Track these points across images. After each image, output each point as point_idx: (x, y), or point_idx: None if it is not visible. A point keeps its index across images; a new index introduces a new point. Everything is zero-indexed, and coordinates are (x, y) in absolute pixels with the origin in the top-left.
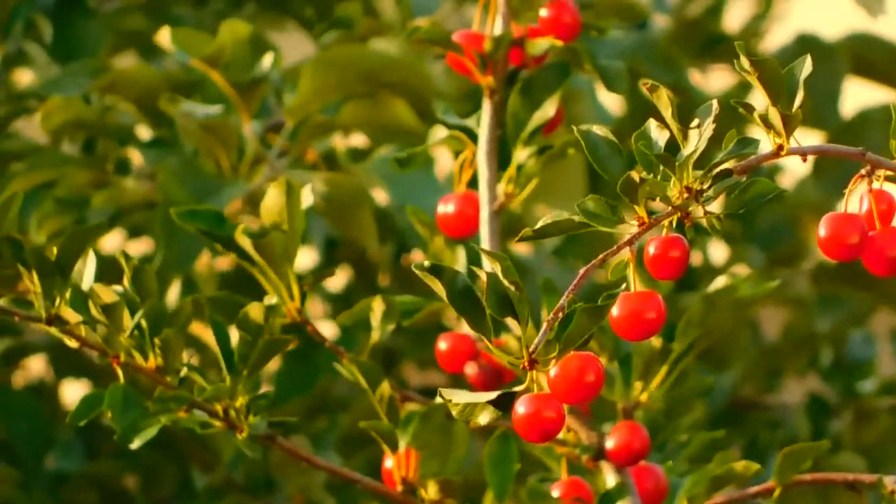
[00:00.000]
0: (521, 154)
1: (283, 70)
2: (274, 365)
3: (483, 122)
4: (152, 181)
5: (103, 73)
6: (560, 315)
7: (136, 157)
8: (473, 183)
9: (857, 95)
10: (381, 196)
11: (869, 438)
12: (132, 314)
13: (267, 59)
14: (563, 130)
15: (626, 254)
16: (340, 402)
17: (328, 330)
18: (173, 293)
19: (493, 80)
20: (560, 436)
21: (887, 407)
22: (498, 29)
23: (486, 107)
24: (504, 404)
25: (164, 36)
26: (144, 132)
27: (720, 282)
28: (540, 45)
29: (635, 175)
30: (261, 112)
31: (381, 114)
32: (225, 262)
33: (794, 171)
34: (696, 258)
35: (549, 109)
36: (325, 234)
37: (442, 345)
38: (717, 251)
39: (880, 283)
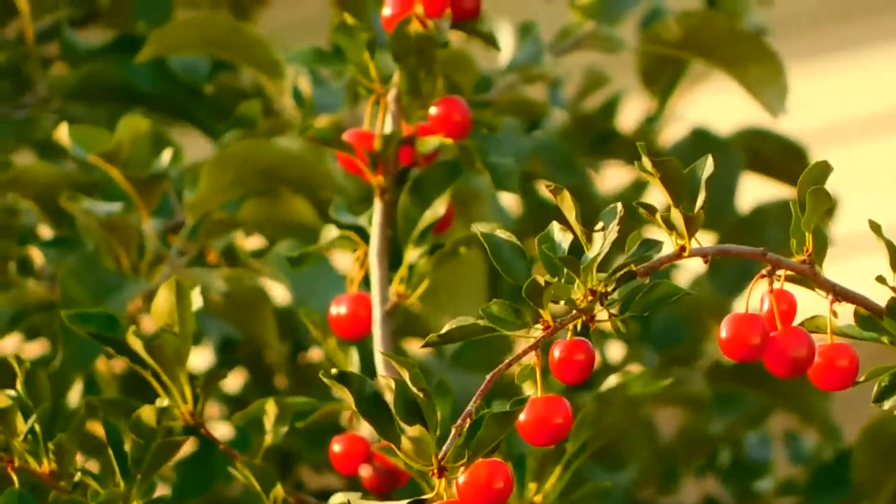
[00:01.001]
0: (413, 254)
1: (183, 167)
2: (170, 466)
3: (374, 222)
4: (53, 281)
5: (3, 170)
6: (468, 421)
7: (37, 256)
8: (367, 283)
9: (753, 191)
10: (280, 294)
11: None
12: (25, 418)
13: (166, 155)
14: (459, 229)
15: (531, 358)
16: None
17: (225, 431)
18: (74, 395)
19: (384, 178)
20: None
21: None
22: (388, 127)
23: (378, 206)
24: None
25: (62, 132)
26: (45, 231)
27: (612, 380)
28: (430, 143)
29: (540, 279)
30: (161, 210)
31: (281, 211)
32: (124, 364)
33: (692, 269)
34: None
35: (439, 208)
36: (221, 334)
37: (336, 447)
38: (614, 350)
39: (776, 383)
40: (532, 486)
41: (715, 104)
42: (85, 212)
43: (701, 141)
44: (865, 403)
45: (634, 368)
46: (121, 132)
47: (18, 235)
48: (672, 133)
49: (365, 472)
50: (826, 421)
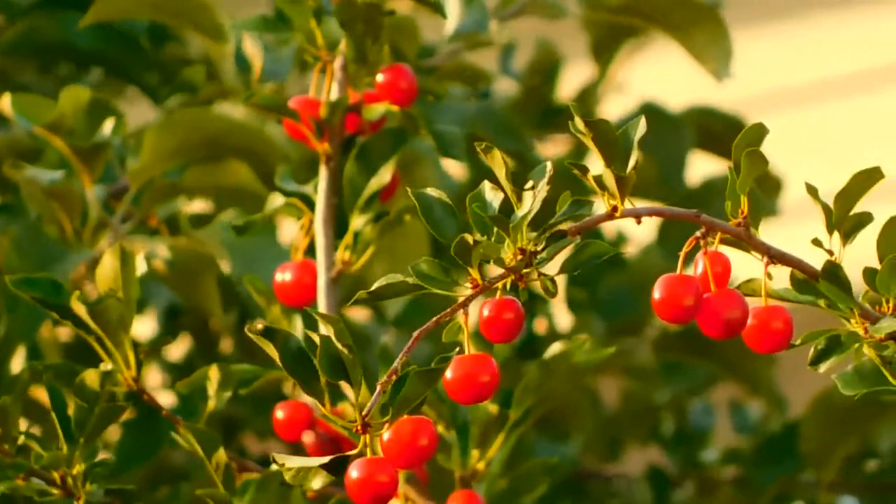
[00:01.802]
0: (358, 221)
1: (126, 135)
2: (115, 434)
3: (320, 189)
4: None
5: None
6: (393, 378)
7: None
8: (312, 250)
9: (701, 168)
10: (225, 263)
11: None
12: None
13: (108, 124)
14: (403, 195)
15: (460, 317)
16: (182, 472)
17: (169, 399)
18: (18, 362)
19: (329, 146)
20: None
21: (730, 478)
22: (334, 95)
23: (323, 173)
24: (337, 468)
25: (4, 102)
26: None
27: (556, 348)
28: (376, 110)
29: (469, 237)
30: (104, 178)
31: (224, 178)
32: (69, 331)
33: (640, 239)
34: (541, 326)
35: (385, 175)
36: (166, 302)
37: (279, 413)
38: (562, 318)
39: (723, 352)
40: (475, 453)
41: (661, 78)
42: (28, 180)
43: (650, 115)
44: (811, 374)
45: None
46: (63, 102)
47: None
48: (622, 108)
49: (308, 438)
50: (772, 391)
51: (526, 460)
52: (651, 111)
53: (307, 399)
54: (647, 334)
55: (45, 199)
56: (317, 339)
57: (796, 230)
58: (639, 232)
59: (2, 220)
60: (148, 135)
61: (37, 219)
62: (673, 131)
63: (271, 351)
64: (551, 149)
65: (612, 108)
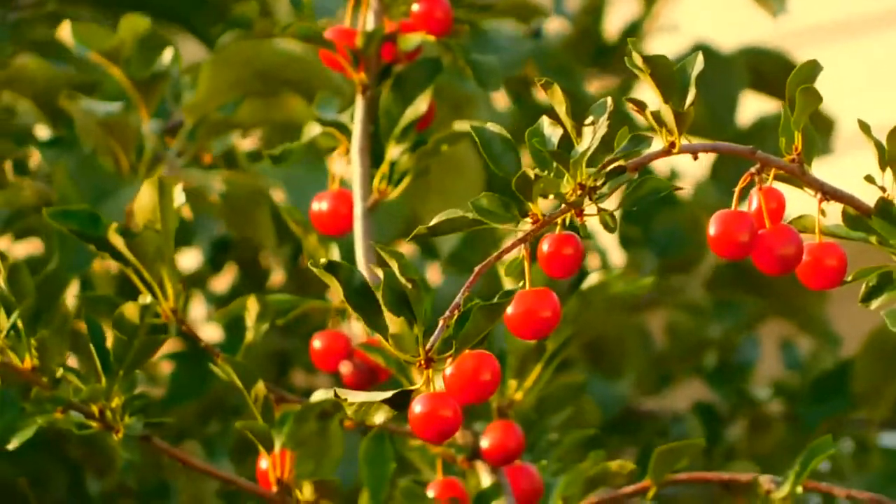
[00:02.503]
0: (394, 150)
1: (181, 70)
2: (167, 369)
3: (356, 119)
4: (49, 182)
5: (1, 68)
6: (456, 313)
7: (34, 156)
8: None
9: (753, 109)
10: (279, 196)
11: (763, 446)
12: (8, 314)
13: (167, 55)
14: (440, 126)
15: (520, 252)
16: (234, 409)
17: (217, 334)
18: (70, 296)
19: (366, 76)
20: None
21: (781, 414)
22: (370, 24)
23: (359, 103)
24: (400, 403)
25: (63, 31)
26: (43, 132)
27: (594, 279)
28: (412, 40)
29: (529, 172)
30: (160, 112)
31: (278, 112)
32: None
33: (693, 175)
34: (594, 263)
35: (421, 105)
36: (213, 236)
37: (317, 343)
38: (615, 256)
39: (775, 289)
40: (512, 383)
41: (713, 18)
42: (84, 111)
43: (703, 56)
44: (864, 312)
45: (619, 268)
46: (122, 31)
47: (15, 135)
48: (668, 48)
49: (345, 368)
50: (824, 328)
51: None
52: (702, 50)
53: (346, 330)
54: (698, 271)
55: (100, 131)
56: (380, 273)
57: (849, 167)
58: (691, 170)
59: (56, 152)
60: (204, 69)
61: (91, 152)
62: (724, 71)
63: (334, 285)
64: (597, 86)
65: (658, 48)
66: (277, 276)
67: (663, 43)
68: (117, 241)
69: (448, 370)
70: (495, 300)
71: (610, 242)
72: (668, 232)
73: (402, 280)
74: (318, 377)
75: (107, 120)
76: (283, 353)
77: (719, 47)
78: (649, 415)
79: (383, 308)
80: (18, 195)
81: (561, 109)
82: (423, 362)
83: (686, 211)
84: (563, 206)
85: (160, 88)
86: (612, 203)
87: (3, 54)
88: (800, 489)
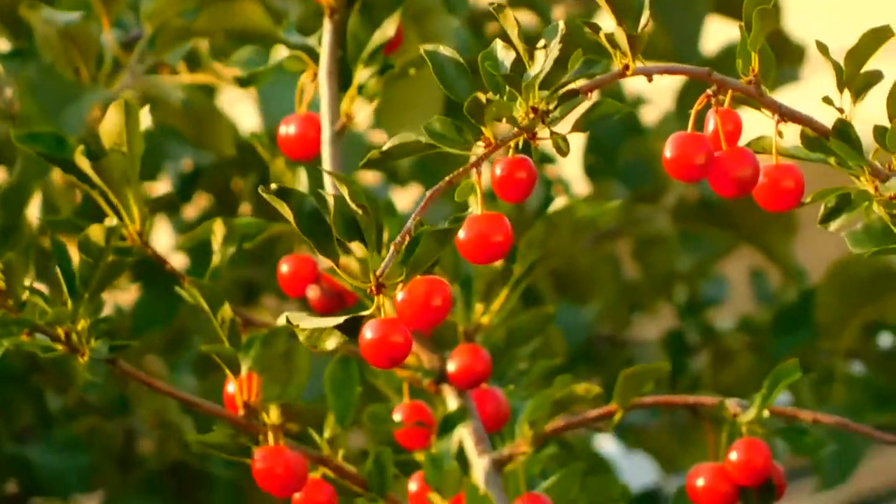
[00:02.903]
0: (362, 74)
1: None
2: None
3: (324, 42)
4: (8, 94)
5: None
6: (407, 238)
7: None
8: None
9: (720, 35)
10: (245, 123)
11: (728, 378)
12: None
13: None
14: (412, 48)
15: (472, 176)
16: (195, 327)
17: (185, 261)
18: (33, 211)
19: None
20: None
21: (745, 345)
22: None
23: (327, 26)
24: (351, 329)
25: None
26: (3, 44)
27: (559, 203)
28: None
29: (481, 96)
30: (120, 23)
31: (236, 18)
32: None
33: (659, 106)
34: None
35: (388, 29)
36: (181, 167)
37: (284, 267)
38: (579, 187)
39: (740, 221)
40: (479, 307)
41: None
42: (45, 21)
43: None
44: (829, 245)
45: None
46: None
47: None
48: None
49: (312, 293)
50: (789, 261)
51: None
52: None
53: (311, 254)
54: (665, 203)
55: (60, 41)
56: (330, 199)
57: (807, 89)
58: (658, 101)
59: (16, 64)
60: None
61: (52, 62)
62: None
63: (285, 211)
64: (560, 14)
65: None
66: (247, 206)
67: None
68: (83, 164)
69: (399, 295)
70: (446, 225)
71: (576, 174)
72: (633, 163)
73: (353, 205)
74: (288, 304)
75: (67, 30)
76: (252, 282)
77: None
78: (615, 343)
79: (334, 234)
80: None
81: (513, 33)
82: (373, 288)
83: (651, 142)
84: (516, 129)
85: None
86: (567, 126)
87: None
88: (766, 413)
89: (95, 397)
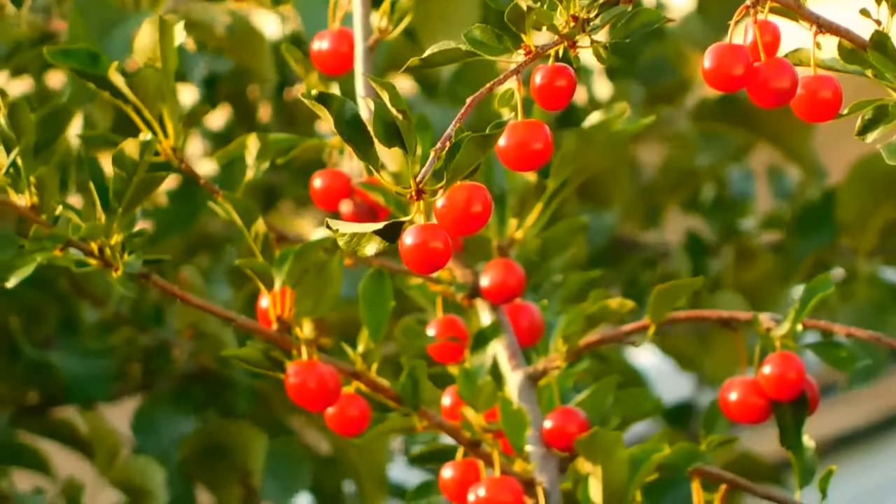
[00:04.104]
0: None
1: None
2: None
3: None
4: (47, 14)
5: None
6: (448, 144)
7: None
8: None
9: None
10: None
11: (749, 278)
12: (8, 152)
13: None
14: None
15: (512, 83)
16: (223, 239)
17: (210, 168)
18: (72, 134)
19: None
20: (434, 273)
21: (768, 245)
22: None
23: None
24: (390, 234)
25: None
26: None
27: (595, 117)
28: None
29: (522, 3)
30: None
31: None
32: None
33: (679, 8)
34: (580, 96)
35: None
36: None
37: (317, 182)
38: (600, 88)
39: (761, 120)
40: (513, 222)
41: None
42: None
43: None
44: (850, 143)
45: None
46: None
47: None
48: None
49: (345, 207)
50: (810, 158)
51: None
52: None
53: (344, 169)
54: (685, 103)
55: None
56: (371, 104)
57: (845, 1)
58: (678, 3)
59: None
60: None
61: None
62: None
63: (325, 116)
64: None
65: None
66: (265, 111)
67: None
68: (117, 80)
69: (439, 202)
70: (486, 131)
71: (595, 73)
72: (653, 64)
73: (393, 110)
74: (309, 213)
75: None
76: (270, 188)
77: None
78: (636, 246)
79: (374, 139)
80: (15, 30)
81: None
82: (413, 194)
83: (671, 42)
84: (556, 37)
85: None
86: (601, 35)
87: None
88: (800, 327)
89: (129, 310)
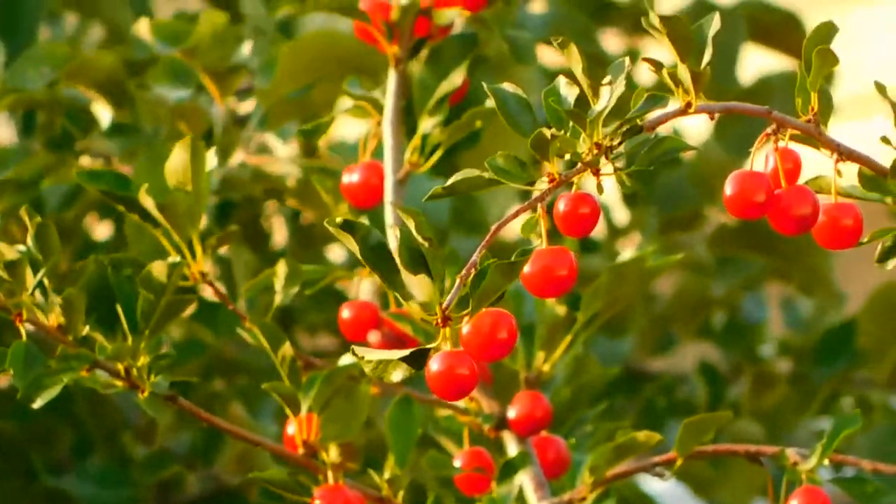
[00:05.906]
0: (427, 123)
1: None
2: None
3: (389, 92)
4: (107, 160)
5: (66, 61)
6: (473, 271)
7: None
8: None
9: (753, 62)
10: None
11: (767, 404)
12: (35, 272)
13: (246, 47)
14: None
15: (536, 211)
16: (236, 364)
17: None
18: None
19: (399, 49)
20: (462, 404)
21: (785, 372)
22: None
23: (392, 76)
24: (417, 361)
25: (142, 27)
26: (98, 109)
27: (628, 254)
28: (447, 14)
29: (546, 131)
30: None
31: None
32: None
33: (696, 134)
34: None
35: (456, 79)
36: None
37: (345, 312)
38: (618, 214)
39: (778, 247)
40: (541, 354)
41: None
42: (155, 99)
43: (703, 10)
44: (866, 270)
45: (635, 234)
46: (202, 27)
47: (74, 116)
48: (673, 5)
49: (374, 337)
50: (830, 286)
51: (584, 358)
52: (703, 6)
53: (372, 299)
54: (702, 229)
55: (171, 116)
56: (397, 232)
57: (864, 128)
58: (695, 127)
59: (122, 141)
60: (282, 54)
61: (153, 133)
62: (725, 25)
63: (350, 244)
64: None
65: (659, 4)
66: (279, 237)
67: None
68: (147, 203)
69: (465, 328)
70: (512, 258)
71: (612, 199)
72: (670, 189)
73: (419, 238)
74: (322, 338)
75: (178, 106)
76: (284, 314)
77: (719, 1)
78: (651, 374)
79: (400, 267)
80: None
81: (577, 69)
82: (440, 320)
83: (688, 168)
84: (580, 165)
85: (236, 77)
86: (623, 162)
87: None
88: (826, 462)
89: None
